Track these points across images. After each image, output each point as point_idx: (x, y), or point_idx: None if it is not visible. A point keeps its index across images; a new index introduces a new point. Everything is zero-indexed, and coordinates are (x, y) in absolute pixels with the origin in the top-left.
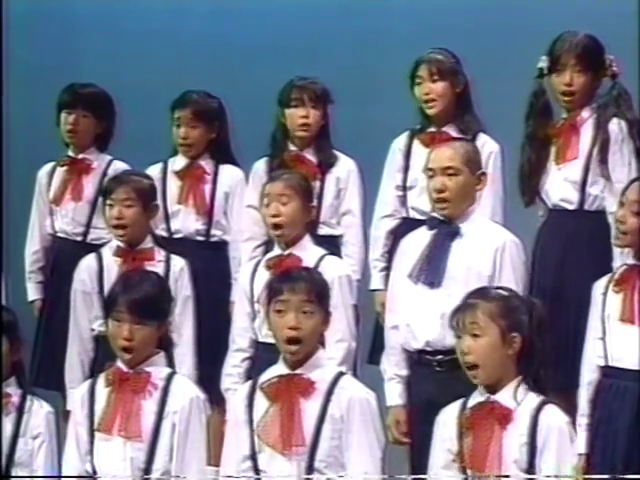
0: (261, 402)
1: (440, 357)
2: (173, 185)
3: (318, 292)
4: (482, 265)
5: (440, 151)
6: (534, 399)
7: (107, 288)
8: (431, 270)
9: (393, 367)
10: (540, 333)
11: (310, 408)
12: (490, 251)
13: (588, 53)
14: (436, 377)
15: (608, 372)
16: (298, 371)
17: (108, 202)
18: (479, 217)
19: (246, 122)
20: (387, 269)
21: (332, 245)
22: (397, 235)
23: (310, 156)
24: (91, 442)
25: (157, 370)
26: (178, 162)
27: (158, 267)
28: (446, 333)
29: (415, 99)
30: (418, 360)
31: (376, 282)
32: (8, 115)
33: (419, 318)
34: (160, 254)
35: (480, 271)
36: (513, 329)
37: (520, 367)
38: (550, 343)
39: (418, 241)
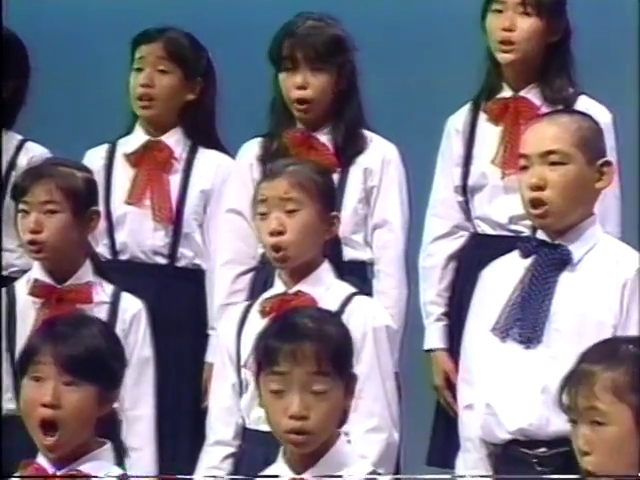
0: None
1: (542, 450)
2: (122, 175)
3: (334, 356)
4: (604, 310)
5: (538, 128)
6: None
7: (20, 345)
8: (527, 320)
9: (470, 471)
10: None
11: None
12: (616, 288)
13: None
14: None
15: None
16: (306, 475)
17: (21, 207)
18: (600, 234)
19: (241, 95)
20: (448, 316)
21: (355, 276)
22: (462, 261)
23: (324, 138)
24: None
25: (100, 469)
26: (132, 141)
27: (98, 313)
28: (550, 414)
29: (485, 37)
30: (506, 457)
31: (433, 338)
32: None
33: (508, 393)
34: (103, 292)
35: (601, 320)
36: None
37: None
38: None
39: (506, 275)
